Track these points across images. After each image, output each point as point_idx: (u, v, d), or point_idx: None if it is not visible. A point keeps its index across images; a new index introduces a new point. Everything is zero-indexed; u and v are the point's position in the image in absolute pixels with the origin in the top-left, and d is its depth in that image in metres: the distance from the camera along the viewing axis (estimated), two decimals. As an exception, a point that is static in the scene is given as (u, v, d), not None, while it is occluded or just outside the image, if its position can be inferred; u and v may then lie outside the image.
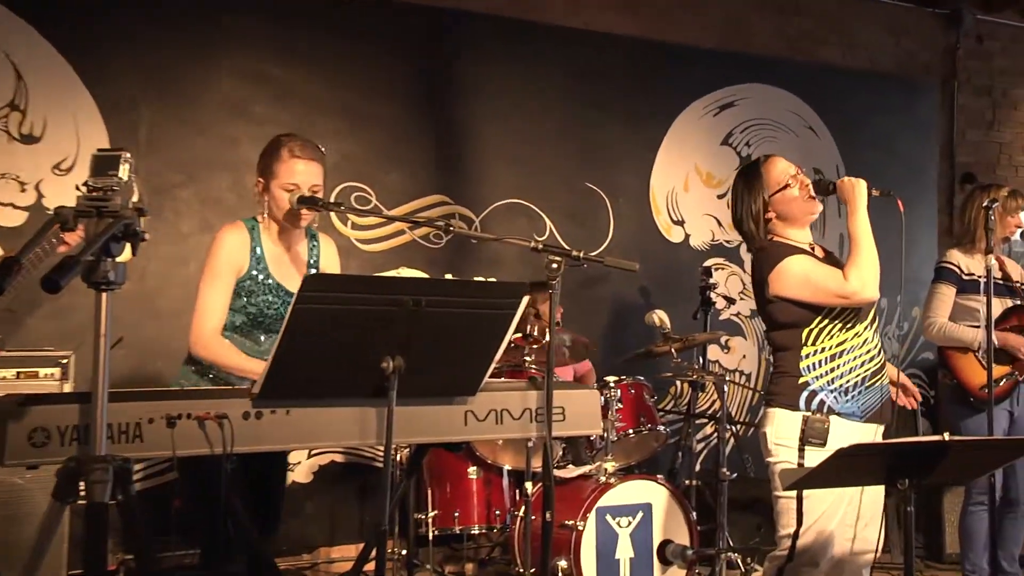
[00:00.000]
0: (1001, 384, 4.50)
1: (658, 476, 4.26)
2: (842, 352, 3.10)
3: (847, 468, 2.52)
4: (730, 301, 5.93)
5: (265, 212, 3.18)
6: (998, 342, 4.41)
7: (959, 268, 4.59)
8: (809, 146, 6.35)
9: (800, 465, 3.03)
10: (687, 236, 6.03)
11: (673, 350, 4.72)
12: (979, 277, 4.55)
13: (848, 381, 3.09)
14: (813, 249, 3.24)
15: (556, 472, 4.26)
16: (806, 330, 3.12)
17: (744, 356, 6.17)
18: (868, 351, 3.13)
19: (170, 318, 4.64)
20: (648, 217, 5.91)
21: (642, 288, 5.85)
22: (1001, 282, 4.66)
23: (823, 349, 3.11)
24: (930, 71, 6.91)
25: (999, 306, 4.60)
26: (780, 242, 3.21)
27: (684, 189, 6.03)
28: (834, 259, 3.27)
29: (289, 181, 3.12)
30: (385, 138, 5.31)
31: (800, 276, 3.09)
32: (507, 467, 4.52)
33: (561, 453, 4.55)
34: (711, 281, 5.51)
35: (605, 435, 4.33)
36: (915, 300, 6.57)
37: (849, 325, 3.12)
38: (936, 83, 6.90)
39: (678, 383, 5.86)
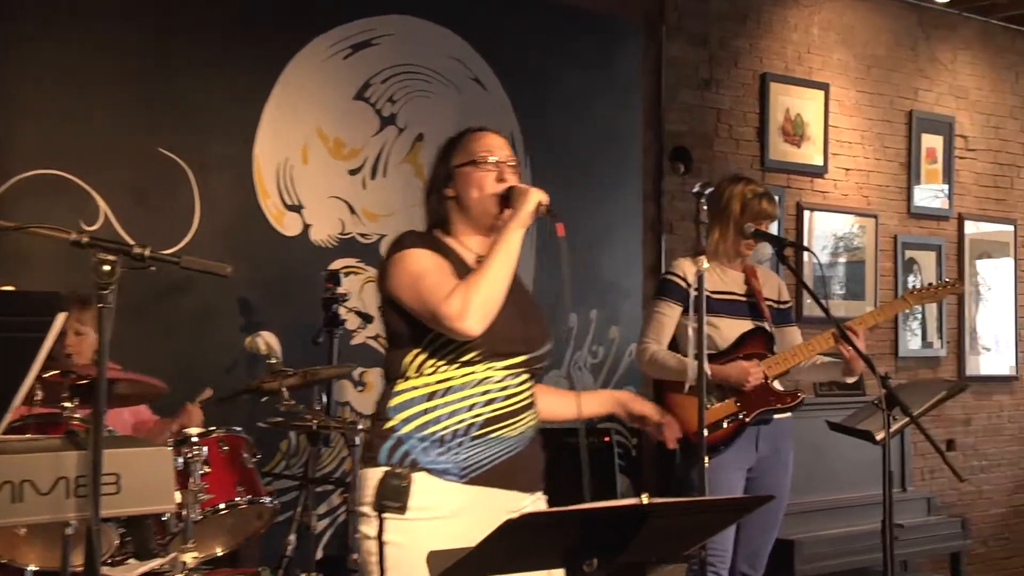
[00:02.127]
0: (724, 427, 4.85)
1: (261, 569, 4.24)
2: (447, 390, 3.21)
3: (514, 547, 2.56)
4: (366, 319, 5.99)
5: None
6: (711, 374, 4.74)
7: (686, 281, 4.90)
8: (475, 105, 6.55)
9: (381, 542, 3.13)
10: (306, 227, 6.09)
11: (285, 389, 4.72)
12: (719, 293, 4.90)
13: (445, 429, 3.20)
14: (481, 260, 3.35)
15: (109, 572, 4.15)
16: (412, 353, 3.25)
17: (386, 396, 6.26)
18: (486, 392, 3.23)
19: None
20: (251, 200, 5.92)
21: (242, 301, 5.84)
22: (743, 299, 5.01)
23: (423, 384, 3.23)
24: (632, 10, 7.31)
25: (738, 329, 4.96)
26: (428, 234, 3.37)
27: (302, 161, 6.09)
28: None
29: None
30: None
31: (412, 274, 3.20)
32: (32, 568, 4.32)
33: (118, 542, 4.42)
34: (340, 291, 5.57)
35: (184, 513, 4.26)
36: (613, 317, 6.96)
37: (473, 357, 3.23)
38: (639, 27, 7.33)
39: (292, 435, 5.89)
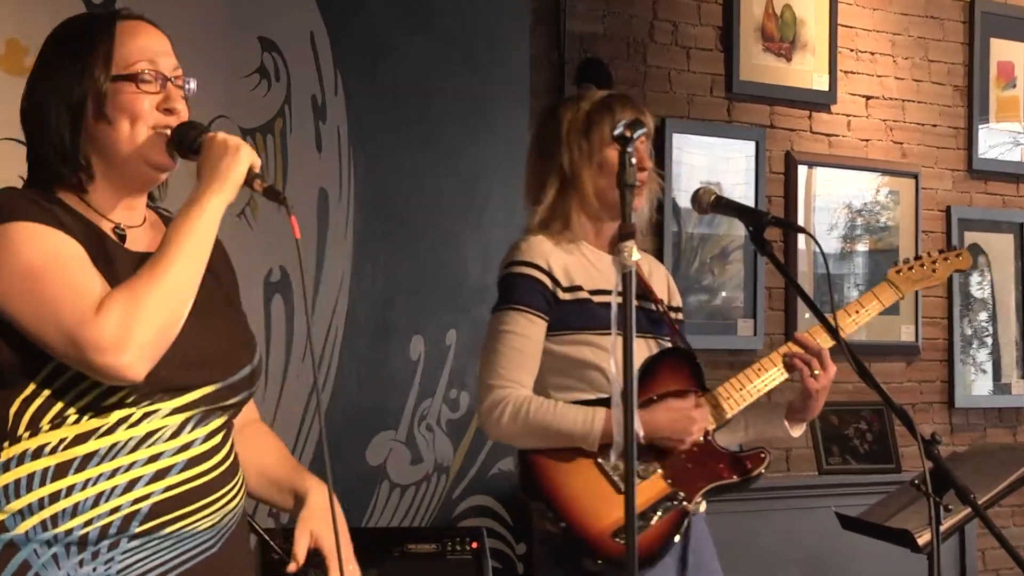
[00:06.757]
0: (652, 523, 4.71)
1: None
2: (86, 459, 3.20)
3: None
4: None
5: None
6: (642, 431, 4.64)
7: (551, 276, 4.79)
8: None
9: None
10: None
11: None
12: (599, 294, 4.79)
13: (88, 524, 3.21)
14: (122, 234, 3.39)
15: None
16: (21, 396, 3.22)
17: None
18: (152, 458, 3.25)
19: None
20: None
21: None
22: (636, 304, 4.89)
23: (46, 450, 3.20)
24: None
25: (636, 354, 4.85)
26: (15, 191, 3.29)
27: None
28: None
29: None
30: None
31: (26, 269, 3.16)
32: None
33: None
34: None
35: None
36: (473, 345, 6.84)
37: (125, 398, 3.21)
38: None
39: None
